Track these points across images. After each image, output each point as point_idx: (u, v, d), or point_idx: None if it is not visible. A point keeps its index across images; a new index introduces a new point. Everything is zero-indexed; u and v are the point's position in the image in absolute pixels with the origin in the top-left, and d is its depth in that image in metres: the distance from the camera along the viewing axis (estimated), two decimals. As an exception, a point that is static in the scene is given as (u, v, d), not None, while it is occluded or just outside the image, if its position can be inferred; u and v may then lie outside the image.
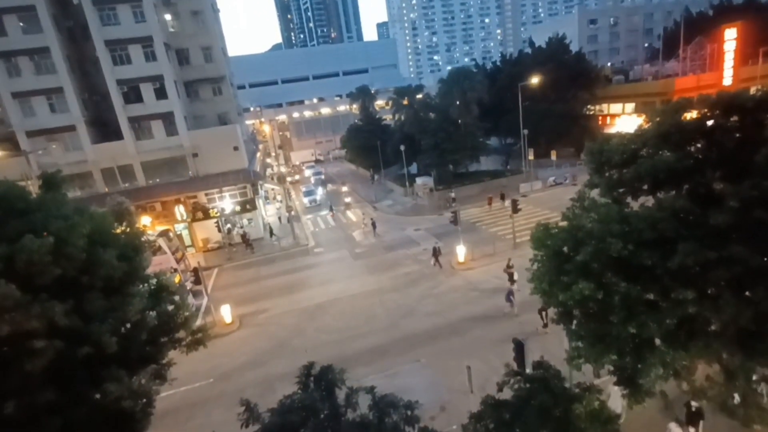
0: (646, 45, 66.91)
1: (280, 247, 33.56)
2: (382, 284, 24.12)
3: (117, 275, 8.96)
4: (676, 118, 9.66)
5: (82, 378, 8.25)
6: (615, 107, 46.52)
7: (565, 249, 9.90)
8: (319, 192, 49.47)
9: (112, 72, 31.84)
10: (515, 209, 25.45)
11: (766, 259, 7.44)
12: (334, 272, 27.31)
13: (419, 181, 42.33)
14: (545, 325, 16.15)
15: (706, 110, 9.73)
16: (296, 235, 35.12)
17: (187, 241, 34.49)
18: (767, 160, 7.56)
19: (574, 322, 9.89)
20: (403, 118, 46.80)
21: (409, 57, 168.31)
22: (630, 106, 44.17)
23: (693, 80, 39.51)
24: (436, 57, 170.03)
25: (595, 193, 11.12)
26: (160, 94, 33.05)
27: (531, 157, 41.24)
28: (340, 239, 34.04)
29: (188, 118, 35.45)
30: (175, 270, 24.87)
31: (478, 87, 40.28)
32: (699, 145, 9.57)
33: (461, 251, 24.71)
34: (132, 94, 32.96)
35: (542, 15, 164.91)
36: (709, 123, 9.56)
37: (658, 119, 9.98)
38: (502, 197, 35.12)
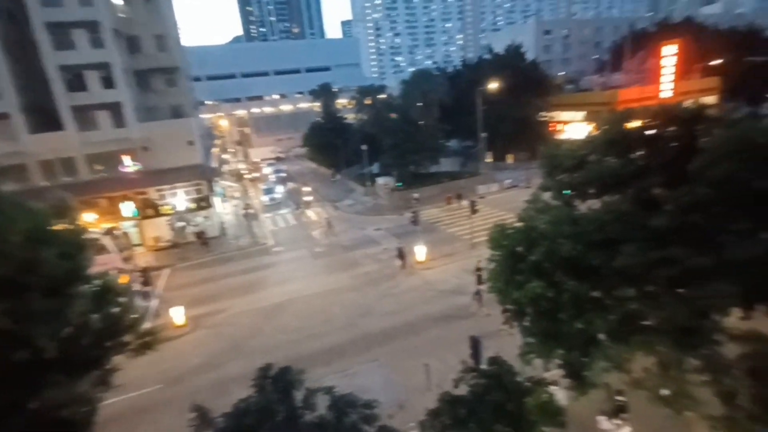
0: (595, 57, 70.99)
1: (238, 245, 32.54)
2: (341, 284, 24.00)
3: (57, 275, 8.34)
4: (621, 127, 10.33)
5: (18, 384, 7.62)
6: (566, 114, 48.98)
7: (520, 249, 10.32)
8: (279, 190, 48.46)
9: (54, 57, 29.50)
10: (473, 210, 26.15)
11: (699, 259, 8.11)
12: (292, 272, 26.85)
13: (380, 180, 42.49)
14: (511, 325, 16.54)
15: (647, 120, 10.48)
16: (254, 233, 34.19)
17: (136, 239, 32.64)
18: (700, 169, 8.23)
19: (527, 319, 10.32)
20: (365, 117, 46.83)
21: (372, 57, 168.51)
22: (580, 114, 46.67)
23: (636, 92, 42.37)
24: (398, 58, 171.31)
25: (547, 195, 11.67)
26: (107, 82, 31.03)
27: (489, 159, 42.57)
28: (299, 238, 33.51)
29: (138, 109, 33.54)
30: (122, 270, 23.49)
31: (439, 89, 41.07)
32: (641, 153, 10.30)
33: (421, 251, 25.06)
34: (76, 82, 30.68)
35: (501, 23, 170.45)
36: (651, 132, 10.31)
37: (605, 127, 10.62)
38: (459, 197, 36.11)
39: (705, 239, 7.87)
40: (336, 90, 59.22)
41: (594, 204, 10.99)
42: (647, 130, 10.34)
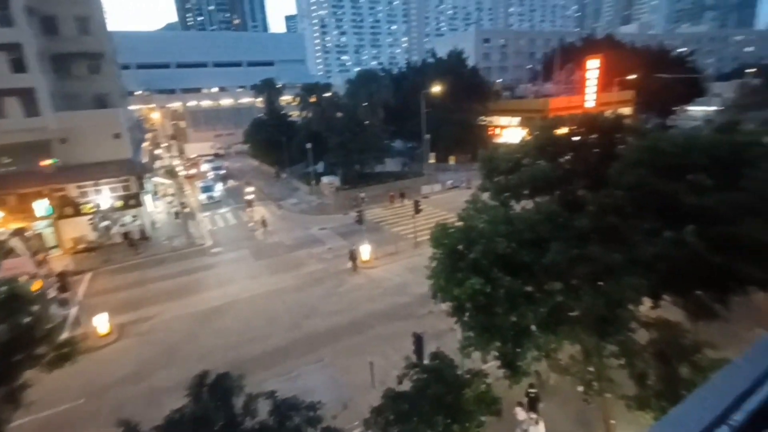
0: (529, 66, 75.56)
1: (171, 247, 30.59)
2: (284, 284, 23.45)
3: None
4: (550, 134, 11.13)
5: None
6: (503, 120, 51.63)
7: (460, 247, 10.74)
8: (218, 188, 46.22)
9: (-52, 32, 25.86)
10: (417, 210, 26.74)
11: (614, 256, 8.95)
12: (232, 273, 25.77)
13: (325, 179, 42.05)
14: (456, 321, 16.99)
15: (574, 128, 11.38)
16: (190, 233, 32.35)
17: (52, 241, 29.53)
18: (617, 174, 9.10)
19: (467, 314, 10.77)
20: (310, 115, 46.11)
21: (318, 54, 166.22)
22: (516, 120, 49.43)
23: (565, 101, 45.73)
24: (344, 57, 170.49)
25: (486, 196, 12.25)
26: (18, 65, 27.74)
27: (432, 160, 43.79)
28: (240, 238, 32.23)
29: (56, 97, 30.36)
30: (35, 275, 21.16)
31: (384, 90, 41.48)
32: (568, 158, 11.17)
33: (366, 250, 25.17)
34: (-23, 63, 27.14)
35: (444, 29, 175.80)
36: (576, 139, 11.21)
37: (536, 134, 11.38)
38: (403, 197, 36.84)
39: (620, 238, 8.70)
40: (280, 86, 57.68)
41: (527, 204, 11.73)
42: (573, 136, 11.24)
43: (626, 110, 46.19)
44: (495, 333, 9.59)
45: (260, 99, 56.86)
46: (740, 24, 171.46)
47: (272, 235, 31.79)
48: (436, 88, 41.06)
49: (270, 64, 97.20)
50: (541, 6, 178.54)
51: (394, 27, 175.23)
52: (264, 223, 32.50)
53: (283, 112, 57.11)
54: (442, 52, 57.49)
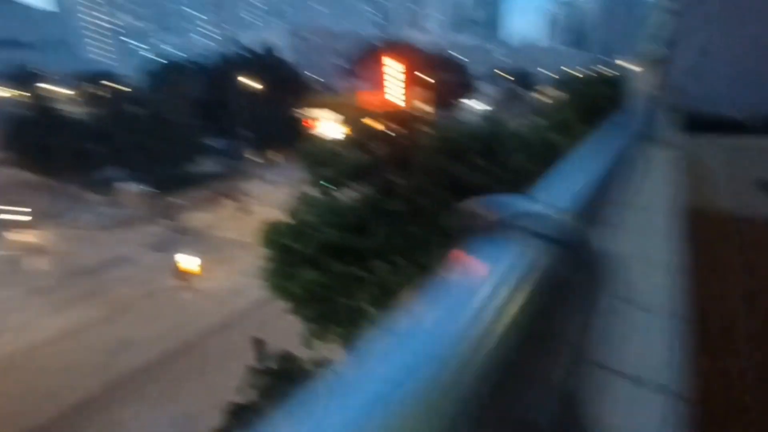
0: (341, 63, 79.66)
1: None
2: (83, 319, 19.19)
3: None
4: (363, 126, 12.04)
5: None
6: (321, 113, 53.20)
7: (292, 243, 10.71)
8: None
9: None
10: (244, 210, 25.44)
11: (426, 231, 10.33)
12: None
13: (128, 187, 35.88)
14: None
15: (384, 121, 12.57)
16: None
17: None
18: (420, 162, 10.48)
19: (306, 307, 10.87)
20: (98, 111, 38.36)
21: (96, 36, 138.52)
22: (332, 114, 51.52)
23: (373, 96, 49.81)
24: (138, 43, 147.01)
25: (312, 189, 12.49)
26: None
27: (256, 157, 42.05)
28: (4, 273, 24.75)
29: None
30: None
31: (195, 84, 37.64)
32: (380, 148, 12.28)
33: (190, 261, 22.63)
34: None
35: (255, 21, 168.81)
36: (385, 131, 12.41)
37: (351, 126, 12.17)
38: (228, 198, 34.50)
39: (427, 214, 10.11)
40: (46, 75, 46.02)
41: (350, 193, 12.46)
42: (384, 128, 12.41)
43: (425, 106, 53.44)
44: (335, 319, 9.97)
45: (17, 92, 44.26)
46: (490, 37, 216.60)
47: (58, 262, 25.45)
48: (252, 83, 39.37)
49: (24, 45, 76.41)
50: (344, 7, 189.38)
51: (200, 15, 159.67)
52: (42, 248, 25.78)
53: (55, 107, 45.74)
54: (256, 45, 55.38)
